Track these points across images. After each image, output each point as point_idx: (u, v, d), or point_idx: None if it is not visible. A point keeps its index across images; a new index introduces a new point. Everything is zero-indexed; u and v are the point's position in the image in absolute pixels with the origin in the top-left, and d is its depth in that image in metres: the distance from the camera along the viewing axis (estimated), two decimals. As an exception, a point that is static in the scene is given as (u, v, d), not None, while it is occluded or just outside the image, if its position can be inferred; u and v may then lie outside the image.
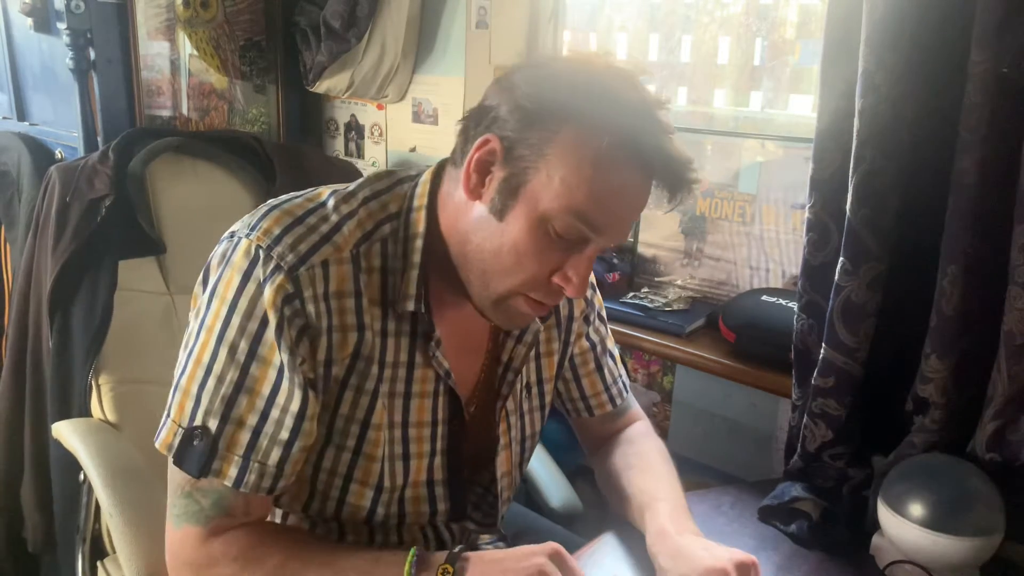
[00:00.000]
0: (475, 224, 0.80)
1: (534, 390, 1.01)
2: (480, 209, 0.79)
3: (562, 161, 0.74)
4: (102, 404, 1.31)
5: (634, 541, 0.98)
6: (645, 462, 1.03)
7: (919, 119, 1.03)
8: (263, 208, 0.82)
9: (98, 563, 1.24)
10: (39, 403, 1.48)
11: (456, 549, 0.78)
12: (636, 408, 1.15)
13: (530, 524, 1.18)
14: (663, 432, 1.60)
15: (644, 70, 0.81)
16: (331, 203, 0.83)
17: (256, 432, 0.78)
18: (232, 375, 0.77)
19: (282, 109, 1.98)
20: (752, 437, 1.44)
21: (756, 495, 1.11)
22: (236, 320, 0.77)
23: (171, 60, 1.79)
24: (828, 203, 1.10)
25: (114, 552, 1.18)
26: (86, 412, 1.32)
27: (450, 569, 0.75)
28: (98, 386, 1.31)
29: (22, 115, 1.97)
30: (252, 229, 0.79)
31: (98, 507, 1.13)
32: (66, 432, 1.25)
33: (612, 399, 1.10)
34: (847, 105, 1.04)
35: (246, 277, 0.78)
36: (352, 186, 0.86)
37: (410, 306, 0.83)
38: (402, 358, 0.86)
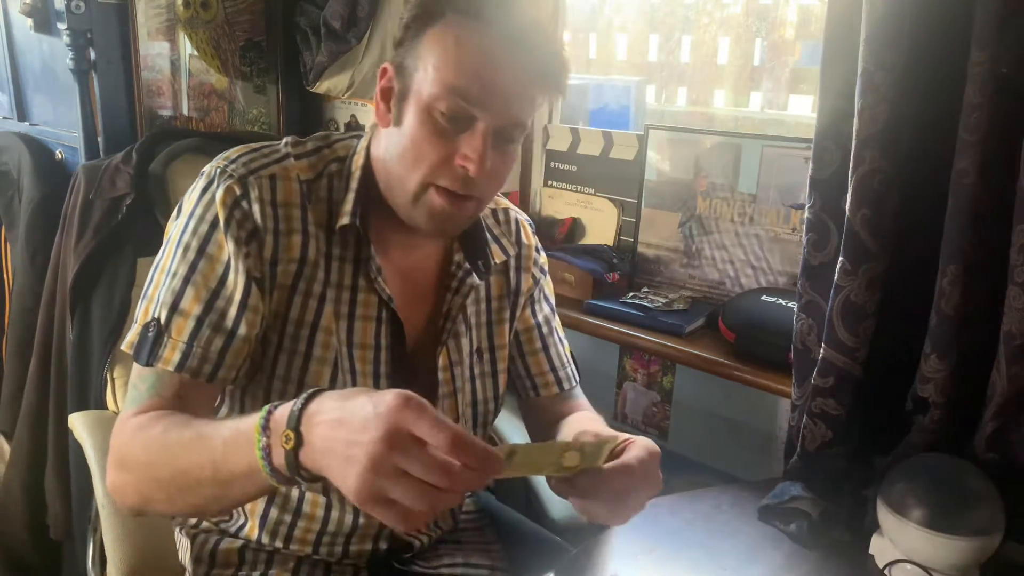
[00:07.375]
0: (387, 143, 0.88)
1: (485, 356, 1.04)
2: (390, 130, 0.88)
3: (432, 50, 0.83)
4: (115, 397, 1.33)
5: (634, 540, 0.99)
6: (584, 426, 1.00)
7: (919, 119, 1.03)
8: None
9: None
10: (61, 394, 1.54)
11: (301, 398, 0.67)
12: (585, 401, 1.13)
13: (528, 533, 1.17)
14: (663, 432, 1.60)
15: None
16: (285, 142, 0.93)
17: (199, 321, 0.84)
18: (182, 270, 0.85)
19: (282, 109, 1.98)
20: (752, 437, 1.44)
21: (756, 495, 1.11)
22: (191, 224, 0.86)
23: (171, 60, 1.79)
24: (828, 203, 1.10)
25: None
26: (102, 404, 1.35)
27: (291, 436, 0.66)
28: (113, 379, 1.33)
29: (22, 115, 1.97)
30: (216, 159, 0.90)
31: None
32: (78, 423, 1.26)
33: (559, 381, 1.10)
34: (847, 105, 1.04)
35: (203, 191, 0.87)
36: (308, 137, 0.96)
37: (345, 219, 0.89)
38: (346, 282, 0.92)
